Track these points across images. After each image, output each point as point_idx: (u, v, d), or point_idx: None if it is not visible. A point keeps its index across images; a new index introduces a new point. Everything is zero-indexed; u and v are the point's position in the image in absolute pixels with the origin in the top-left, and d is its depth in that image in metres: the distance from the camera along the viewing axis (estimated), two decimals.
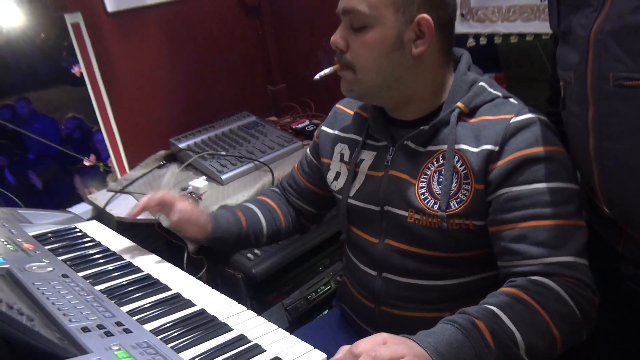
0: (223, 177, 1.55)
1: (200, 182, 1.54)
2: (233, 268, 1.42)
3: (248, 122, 1.85)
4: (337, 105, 1.09)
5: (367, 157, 0.97)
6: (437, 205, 0.85)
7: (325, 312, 1.63)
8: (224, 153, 1.65)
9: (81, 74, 1.70)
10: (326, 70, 0.90)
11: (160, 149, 1.77)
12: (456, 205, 0.84)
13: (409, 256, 0.91)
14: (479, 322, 0.71)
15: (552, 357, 0.76)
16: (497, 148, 0.81)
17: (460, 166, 0.84)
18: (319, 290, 1.60)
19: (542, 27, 1.35)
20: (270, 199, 1.15)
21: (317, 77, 0.91)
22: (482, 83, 0.89)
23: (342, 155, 1.02)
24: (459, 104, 0.86)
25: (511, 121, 0.82)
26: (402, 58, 0.85)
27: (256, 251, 1.43)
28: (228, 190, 1.53)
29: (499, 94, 0.88)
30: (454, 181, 0.84)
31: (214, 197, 1.51)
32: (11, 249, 0.93)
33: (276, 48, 2.05)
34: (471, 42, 1.49)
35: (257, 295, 1.46)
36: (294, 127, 1.87)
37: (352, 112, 1.04)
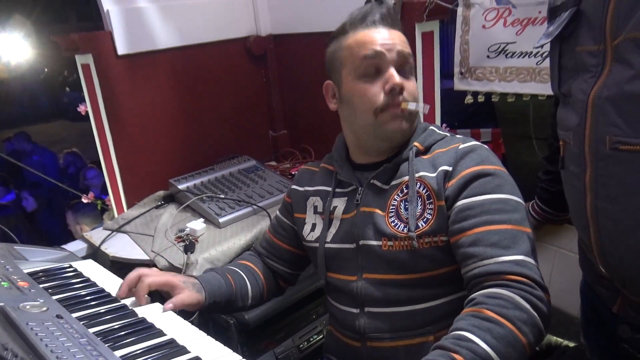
0: (221, 220, 1.56)
1: (197, 225, 1.54)
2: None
3: (248, 166, 1.87)
4: (302, 167, 1.20)
5: (339, 203, 1.06)
6: (407, 228, 0.94)
7: None
8: (222, 196, 1.67)
9: (87, 112, 1.73)
10: (413, 106, 0.98)
11: (160, 189, 1.78)
12: (424, 225, 0.93)
13: (388, 284, 0.97)
14: (458, 357, 0.74)
15: None
16: (450, 168, 0.94)
17: (422, 189, 0.95)
18: (311, 339, 1.58)
19: (538, 88, 1.41)
20: (252, 263, 1.19)
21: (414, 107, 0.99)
22: (432, 127, 1.04)
23: (315, 207, 1.10)
24: (415, 143, 1.00)
25: (460, 147, 0.96)
26: None
27: None
28: (225, 234, 1.53)
29: (447, 134, 1.03)
30: (419, 204, 0.95)
31: (211, 239, 1.50)
32: (6, 286, 0.92)
33: (279, 95, 2.11)
34: (469, 99, 1.54)
35: (248, 342, 1.44)
36: (293, 172, 1.89)
37: (317, 169, 1.15)
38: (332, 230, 1.05)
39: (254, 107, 2.08)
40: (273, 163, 2.08)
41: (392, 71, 0.96)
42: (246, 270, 1.16)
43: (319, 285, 1.55)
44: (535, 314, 0.80)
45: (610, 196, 0.74)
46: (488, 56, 1.48)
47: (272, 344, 1.50)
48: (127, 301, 0.98)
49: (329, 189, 1.08)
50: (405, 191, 0.97)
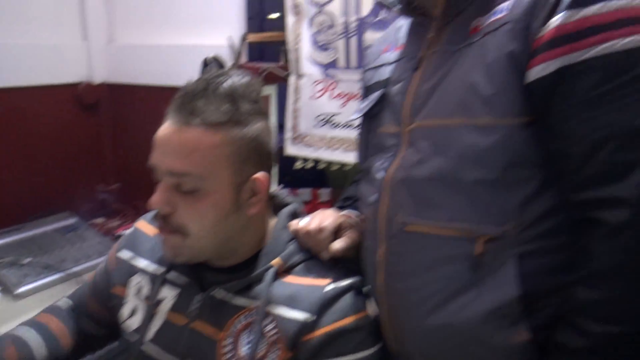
0: (19, 290, 1.35)
1: None
2: None
3: (66, 225, 1.69)
4: (137, 225, 0.99)
5: (169, 295, 0.87)
6: None
7: None
8: (27, 260, 1.46)
9: None
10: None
11: None
12: None
13: None
14: None
15: None
16: (313, 317, 0.78)
17: (271, 330, 0.79)
18: None
19: None
20: (57, 317, 0.98)
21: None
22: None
23: (139, 289, 0.91)
24: (276, 261, 0.83)
25: (325, 290, 0.80)
26: (237, 219, 0.81)
27: None
28: (24, 307, 1.33)
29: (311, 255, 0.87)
30: (262, 345, 0.78)
31: (2, 315, 1.29)
32: None
33: (112, 147, 1.97)
34: (299, 164, 1.58)
35: None
36: (118, 232, 1.74)
37: (152, 235, 0.94)
38: (156, 326, 0.86)
39: (82, 158, 1.91)
40: (101, 220, 1.91)
41: (156, 193, 0.78)
42: (42, 331, 0.93)
43: None
44: None
45: (399, 274, 0.77)
46: (316, 124, 1.53)
47: None
48: None
49: (161, 270, 0.88)
50: (251, 319, 0.80)
